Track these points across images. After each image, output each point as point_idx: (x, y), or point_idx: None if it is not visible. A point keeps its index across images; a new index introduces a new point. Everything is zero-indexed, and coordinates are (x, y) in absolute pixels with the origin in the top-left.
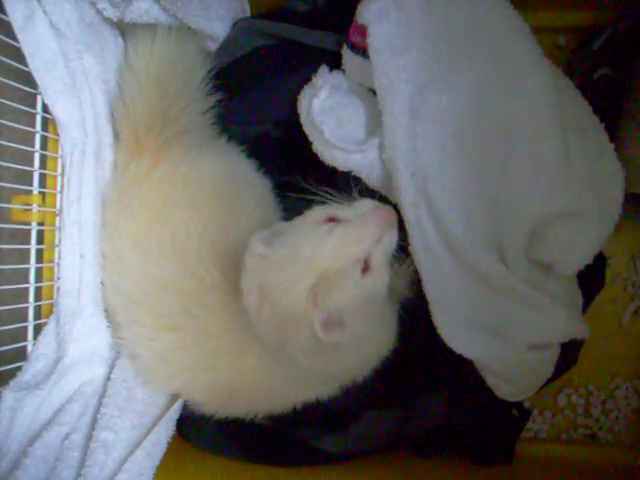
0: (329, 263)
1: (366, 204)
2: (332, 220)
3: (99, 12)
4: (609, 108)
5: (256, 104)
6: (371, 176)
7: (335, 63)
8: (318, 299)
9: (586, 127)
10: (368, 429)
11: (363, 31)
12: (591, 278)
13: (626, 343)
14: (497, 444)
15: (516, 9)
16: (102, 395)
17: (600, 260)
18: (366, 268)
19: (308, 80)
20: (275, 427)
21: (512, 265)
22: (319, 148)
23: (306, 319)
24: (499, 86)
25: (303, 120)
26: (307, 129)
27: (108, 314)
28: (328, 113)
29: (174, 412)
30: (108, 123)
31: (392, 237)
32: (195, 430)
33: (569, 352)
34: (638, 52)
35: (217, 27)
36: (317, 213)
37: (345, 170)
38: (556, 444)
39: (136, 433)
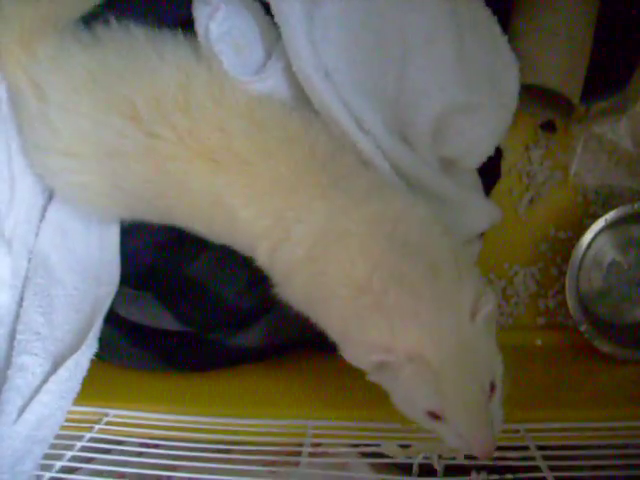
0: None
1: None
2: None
3: None
4: (501, 1)
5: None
6: (274, 98)
7: None
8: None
9: (479, 21)
10: (280, 320)
11: None
12: (488, 171)
13: (523, 231)
14: None
15: None
16: (14, 322)
17: (496, 152)
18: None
19: None
20: (188, 332)
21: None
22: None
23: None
24: None
25: (202, 42)
26: (208, 52)
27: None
28: (226, 39)
29: (95, 332)
30: None
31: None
32: (107, 346)
33: None
34: None
35: None
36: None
37: None
38: None
39: (56, 355)
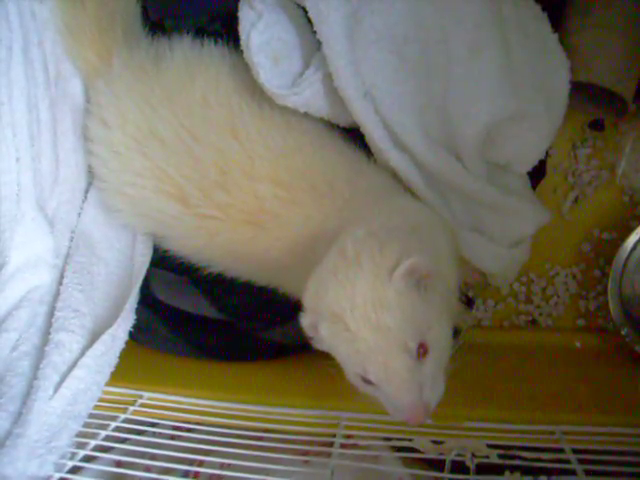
0: None
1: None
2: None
3: None
4: None
5: None
6: (310, 111)
7: None
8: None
9: (527, 20)
10: None
11: None
12: (533, 169)
13: (566, 231)
14: None
15: None
16: (54, 300)
17: None
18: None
19: None
20: (225, 321)
21: (472, 169)
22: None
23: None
24: None
25: (243, 48)
26: (248, 61)
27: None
28: (265, 50)
29: (131, 304)
30: (34, 19)
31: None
32: (144, 329)
33: None
34: None
35: None
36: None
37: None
38: (499, 331)
39: (94, 331)
